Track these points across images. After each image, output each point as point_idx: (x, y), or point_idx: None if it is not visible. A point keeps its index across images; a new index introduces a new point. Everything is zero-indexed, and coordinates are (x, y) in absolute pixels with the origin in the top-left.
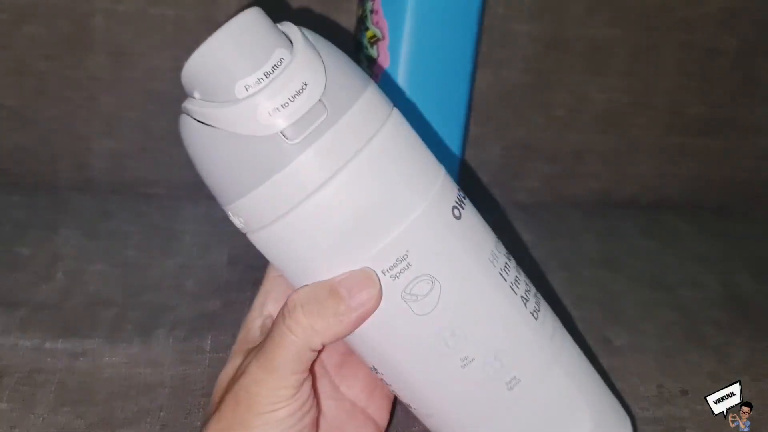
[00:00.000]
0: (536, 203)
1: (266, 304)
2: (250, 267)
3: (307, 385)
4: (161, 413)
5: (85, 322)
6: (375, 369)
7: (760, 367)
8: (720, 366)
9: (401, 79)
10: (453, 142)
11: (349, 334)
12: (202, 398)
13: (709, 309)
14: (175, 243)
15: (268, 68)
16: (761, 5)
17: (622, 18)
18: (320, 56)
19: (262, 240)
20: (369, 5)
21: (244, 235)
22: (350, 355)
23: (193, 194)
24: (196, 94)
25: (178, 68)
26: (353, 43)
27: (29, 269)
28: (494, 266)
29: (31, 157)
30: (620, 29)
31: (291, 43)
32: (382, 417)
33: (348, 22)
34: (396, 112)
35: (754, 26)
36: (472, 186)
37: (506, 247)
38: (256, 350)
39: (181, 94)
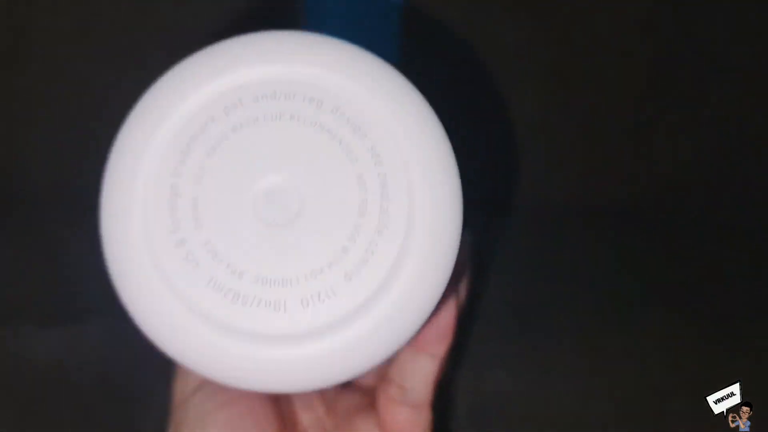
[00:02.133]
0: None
1: None
2: None
3: None
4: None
5: (17, 311)
6: None
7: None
8: None
9: None
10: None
11: None
12: None
13: None
14: None
15: None
16: (674, 16)
17: (542, 30)
18: None
19: None
20: None
21: None
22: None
23: None
24: None
25: (119, 82)
26: None
27: None
28: None
29: None
30: (541, 40)
31: None
32: None
33: None
34: None
35: (669, 35)
36: None
37: None
38: None
39: (121, 106)
